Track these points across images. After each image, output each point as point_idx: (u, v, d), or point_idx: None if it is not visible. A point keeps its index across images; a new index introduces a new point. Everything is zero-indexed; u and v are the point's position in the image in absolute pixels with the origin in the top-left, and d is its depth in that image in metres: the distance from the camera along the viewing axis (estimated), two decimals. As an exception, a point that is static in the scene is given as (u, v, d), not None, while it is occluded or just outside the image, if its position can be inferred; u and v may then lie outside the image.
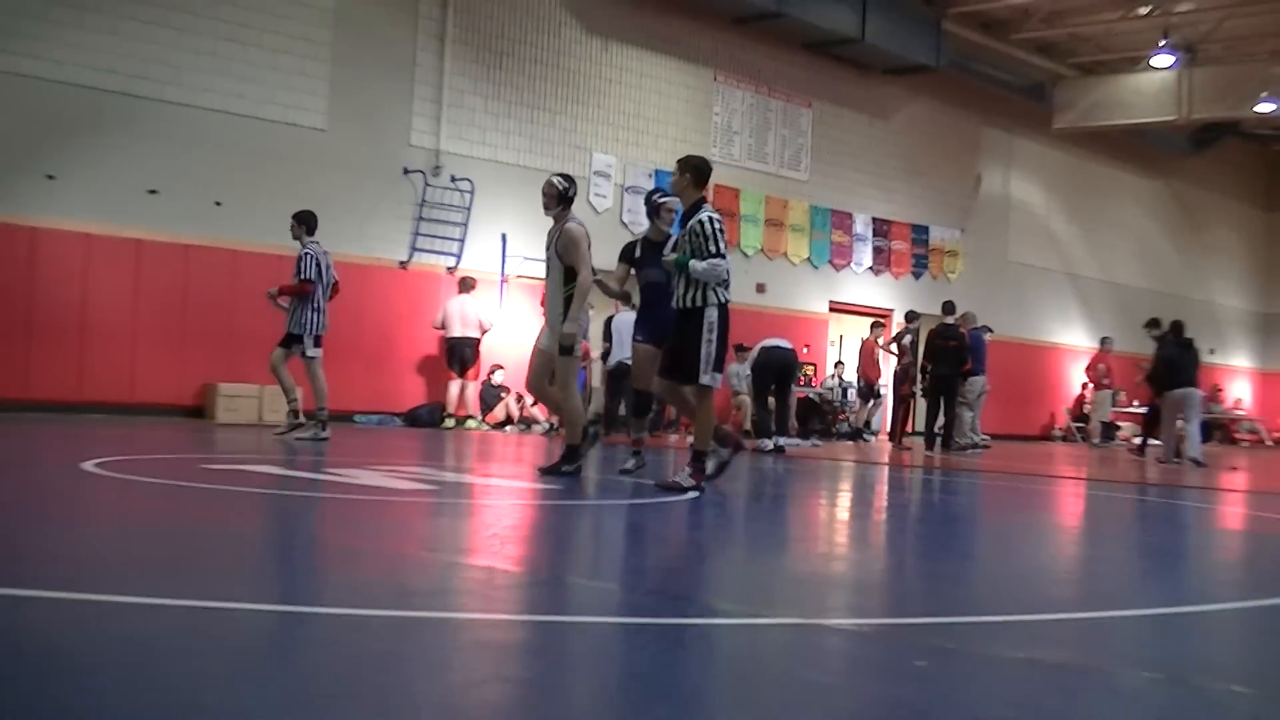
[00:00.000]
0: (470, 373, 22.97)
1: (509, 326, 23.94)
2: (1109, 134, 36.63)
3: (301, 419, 16.20)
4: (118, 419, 18.70)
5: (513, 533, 7.94)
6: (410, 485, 9.94)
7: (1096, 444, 30.14)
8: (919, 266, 32.97)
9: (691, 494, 10.19)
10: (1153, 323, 24.29)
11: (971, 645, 4.78)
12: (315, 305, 16.33)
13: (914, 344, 24.46)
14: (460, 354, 22.69)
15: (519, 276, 24.55)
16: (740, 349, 25.36)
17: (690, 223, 10.71)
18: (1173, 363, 22.68)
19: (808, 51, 29.99)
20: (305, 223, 16.50)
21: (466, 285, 23.14)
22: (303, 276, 16.12)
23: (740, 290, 28.49)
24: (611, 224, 26.44)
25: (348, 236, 21.87)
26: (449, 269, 23.60)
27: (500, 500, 10.14)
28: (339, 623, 4.63)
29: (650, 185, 26.83)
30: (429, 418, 22.56)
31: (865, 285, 31.91)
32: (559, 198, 11.96)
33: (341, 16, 22.73)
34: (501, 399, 23.76)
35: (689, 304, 10.76)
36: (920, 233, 33.19)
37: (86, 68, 19.90)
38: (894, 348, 25.90)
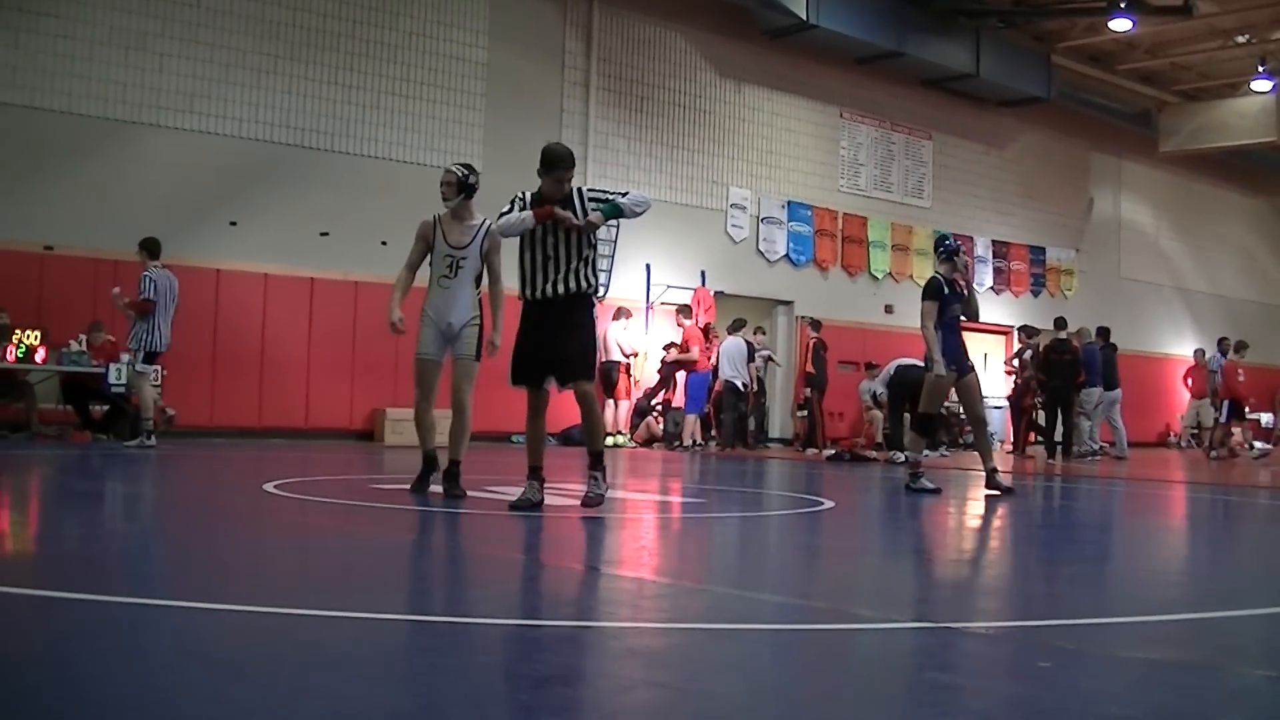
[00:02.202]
0: (617, 393, 22.85)
1: (655, 350, 23.85)
2: (1213, 156, 35.71)
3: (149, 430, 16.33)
4: (294, 443, 18.81)
5: (659, 545, 7.77)
6: (564, 501, 9.74)
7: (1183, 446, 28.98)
8: (1037, 285, 32.46)
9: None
10: (1029, 330, 25.01)
11: (1092, 646, 4.59)
12: (153, 324, 16.34)
13: (1033, 359, 24.10)
14: (605, 377, 22.62)
15: (663, 303, 24.44)
16: (870, 366, 25.13)
17: (584, 196, 9.12)
18: (1111, 366, 23.58)
19: (926, 87, 29.65)
20: (147, 249, 16.57)
21: (620, 314, 23.07)
22: (143, 296, 16.22)
23: (870, 310, 28.35)
24: (748, 253, 26.35)
25: (505, 270, 21.87)
26: (597, 299, 23.50)
27: (646, 514, 9.95)
28: (494, 632, 4.52)
29: (783, 216, 26.88)
30: (580, 437, 22.43)
31: (987, 304, 31.24)
32: (459, 186, 10.00)
33: (494, 69, 22.79)
34: (644, 419, 23.66)
35: (573, 286, 9.06)
36: (1037, 253, 32.67)
37: (265, 124, 20.19)
38: (1014, 363, 25.64)
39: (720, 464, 18.12)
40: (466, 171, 10.08)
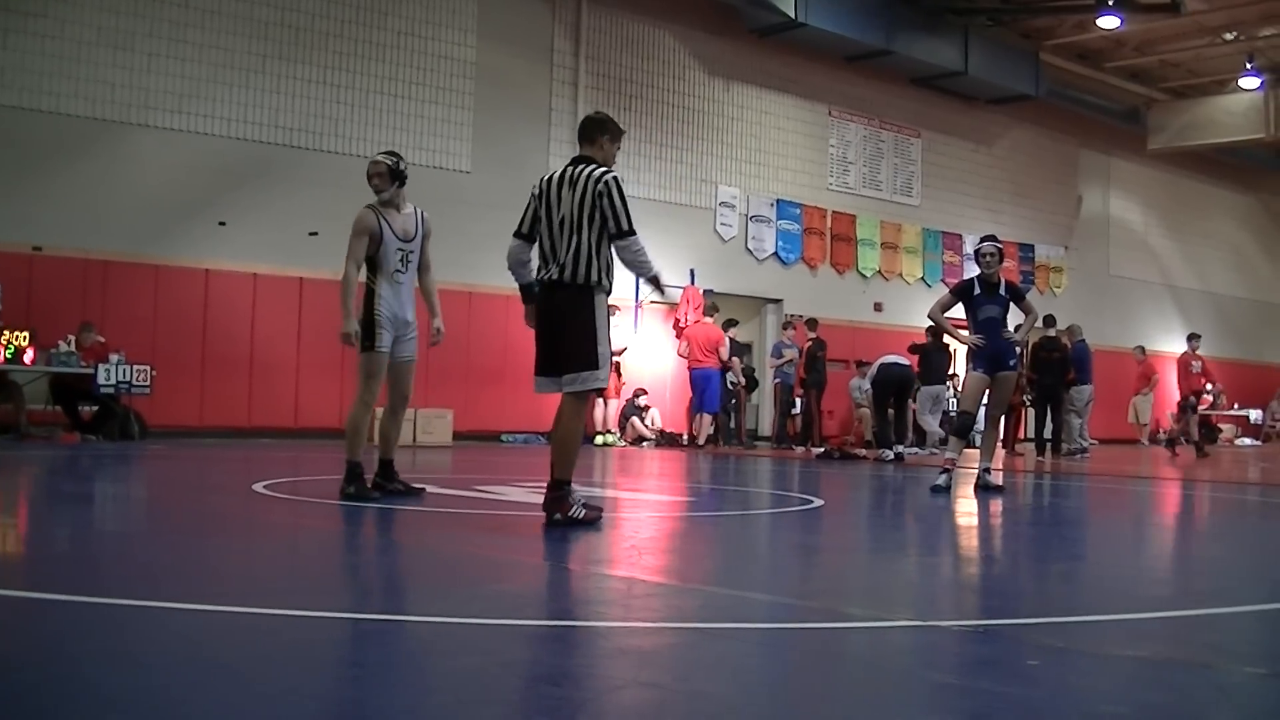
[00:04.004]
0: (605, 392, 22.77)
1: (643, 350, 23.84)
2: (1201, 153, 35.85)
3: None
4: (284, 443, 18.79)
5: (650, 544, 7.74)
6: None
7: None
8: (1026, 283, 32.33)
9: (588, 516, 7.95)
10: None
11: (1081, 644, 4.58)
12: None
13: (1022, 355, 24.04)
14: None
15: (652, 303, 24.42)
16: (860, 364, 25.13)
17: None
18: (1082, 364, 23.28)
19: (915, 85, 29.70)
20: None
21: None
22: None
23: (859, 309, 28.38)
24: (737, 251, 26.36)
25: (492, 269, 21.66)
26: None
27: (636, 513, 9.94)
28: (484, 632, 4.50)
29: (772, 215, 26.87)
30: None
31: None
32: (391, 175, 9.45)
33: (482, 69, 22.80)
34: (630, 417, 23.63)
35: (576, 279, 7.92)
36: (1026, 251, 32.70)
37: (254, 124, 20.19)
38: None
39: (709, 462, 18.11)
40: (396, 159, 9.61)
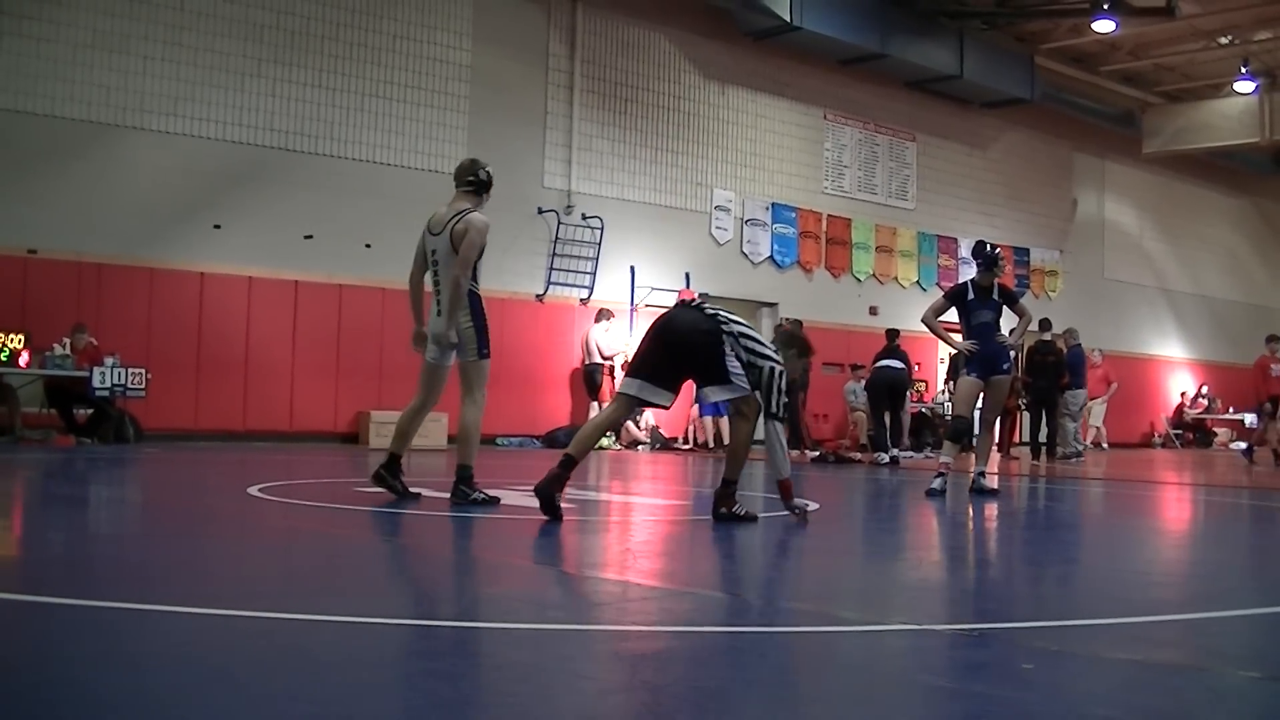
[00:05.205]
0: (600, 395, 22.81)
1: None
2: (1196, 156, 35.78)
3: None
4: (279, 446, 18.79)
5: (645, 548, 7.75)
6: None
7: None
8: (1021, 286, 32.25)
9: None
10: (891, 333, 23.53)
11: (1076, 647, 4.58)
12: None
13: (1016, 359, 24.02)
14: (589, 379, 22.75)
15: (648, 305, 24.40)
16: (855, 368, 25.14)
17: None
18: (1077, 368, 23.42)
19: (910, 89, 29.66)
20: None
21: (601, 316, 23.13)
22: None
23: (854, 312, 28.35)
24: (733, 254, 26.34)
25: (487, 272, 21.54)
26: (582, 300, 23.53)
27: (632, 517, 9.95)
28: (478, 635, 4.55)
29: (767, 219, 26.86)
30: (566, 439, 22.37)
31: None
32: None
33: (477, 71, 22.77)
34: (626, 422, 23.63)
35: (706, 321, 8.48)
36: (1021, 255, 32.67)
37: (249, 127, 20.13)
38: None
39: (704, 466, 18.11)
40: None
